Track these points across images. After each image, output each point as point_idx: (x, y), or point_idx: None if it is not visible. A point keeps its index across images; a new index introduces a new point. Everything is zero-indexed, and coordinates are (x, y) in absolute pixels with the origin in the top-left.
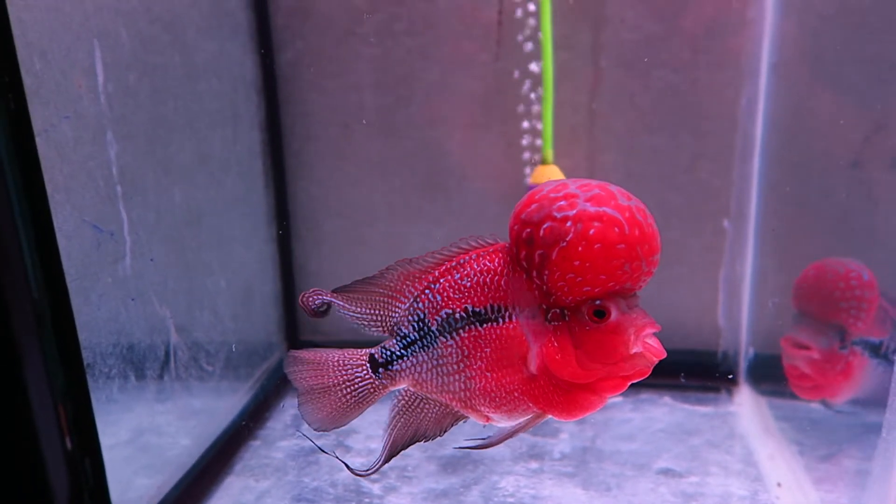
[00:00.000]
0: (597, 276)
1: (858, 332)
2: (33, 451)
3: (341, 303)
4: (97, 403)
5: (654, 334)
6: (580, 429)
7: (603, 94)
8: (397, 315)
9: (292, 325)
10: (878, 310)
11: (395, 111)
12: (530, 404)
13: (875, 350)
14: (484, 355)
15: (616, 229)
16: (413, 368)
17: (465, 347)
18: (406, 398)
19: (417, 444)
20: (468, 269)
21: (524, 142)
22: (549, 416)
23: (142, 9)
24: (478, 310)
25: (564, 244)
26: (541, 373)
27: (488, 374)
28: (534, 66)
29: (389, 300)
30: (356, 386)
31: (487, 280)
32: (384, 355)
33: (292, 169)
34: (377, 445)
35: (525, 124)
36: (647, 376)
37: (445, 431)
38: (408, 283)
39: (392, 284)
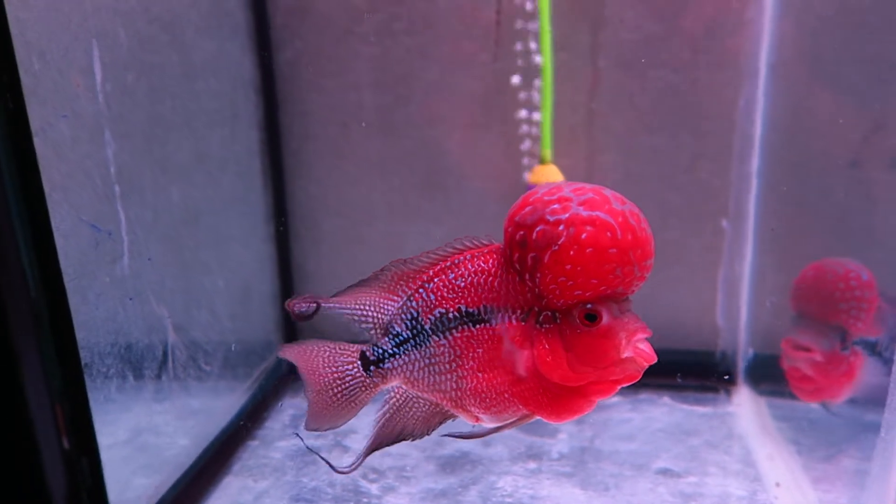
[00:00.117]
0: (588, 280)
1: (859, 332)
2: (31, 451)
3: (332, 304)
4: (95, 403)
5: (647, 339)
6: (579, 429)
7: (602, 94)
8: (390, 313)
9: (291, 325)
10: (877, 309)
11: (394, 110)
12: (520, 406)
13: (872, 348)
14: (476, 356)
15: (608, 234)
16: (405, 367)
17: (457, 347)
18: (397, 396)
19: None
20: (462, 269)
21: (523, 141)
22: (538, 417)
23: (140, 8)
24: (471, 310)
25: (556, 248)
26: (531, 375)
27: (480, 374)
28: (533, 66)
29: (382, 299)
30: (347, 384)
31: (481, 281)
32: (376, 353)
33: (291, 168)
34: None
35: (524, 124)
36: (637, 380)
37: (432, 430)
38: (401, 282)
39: (385, 284)
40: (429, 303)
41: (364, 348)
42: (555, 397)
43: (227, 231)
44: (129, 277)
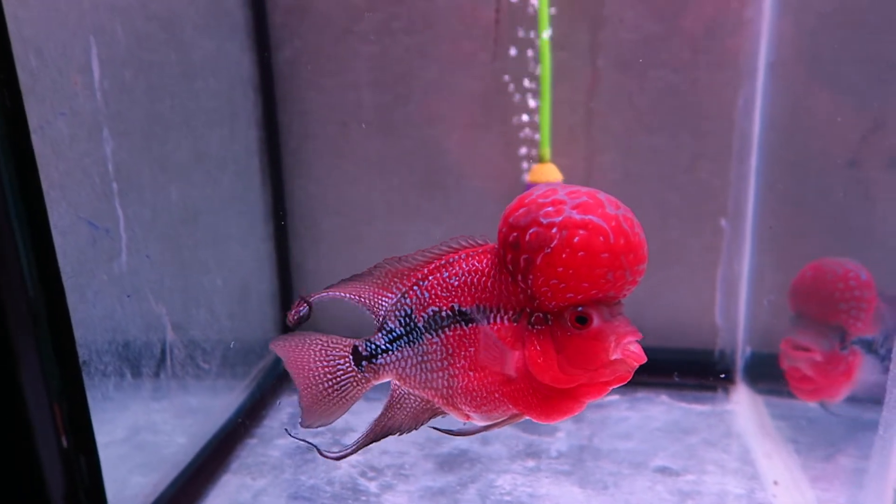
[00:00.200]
0: (580, 283)
1: (858, 332)
2: (29, 450)
3: (325, 295)
4: (93, 401)
5: (643, 339)
6: (577, 427)
7: (601, 94)
8: (383, 310)
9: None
10: (875, 309)
11: (393, 110)
12: (510, 405)
13: (869, 346)
14: (468, 355)
15: (601, 238)
16: (397, 363)
17: (449, 346)
18: (395, 394)
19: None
20: (457, 268)
21: (522, 141)
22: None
23: (138, 6)
24: (464, 309)
25: (549, 250)
26: (522, 376)
27: (471, 373)
28: (532, 66)
29: (377, 295)
30: (338, 378)
31: (475, 281)
32: (368, 348)
33: (290, 167)
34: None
35: (523, 123)
36: (627, 381)
37: (420, 426)
38: (396, 279)
39: (380, 281)
40: (423, 300)
41: (356, 343)
42: (545, 398)
43: (226, 230)
44: (126, 275)
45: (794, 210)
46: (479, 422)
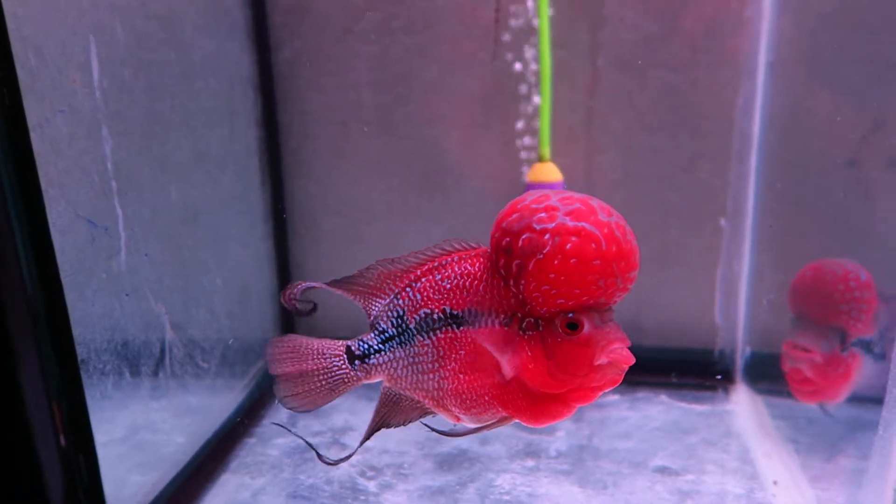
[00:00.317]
0: (571, 289)
1: (858, 333)
2: (28, 449)
3: (326, 286)
4: (91, 400)
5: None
6: (577, 427)
7: (601, 94)
8: (376, 310)
9: (288, 323)
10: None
11: (393, 109)
12: (500, 408)
13: (867, 347)
14: (458, 357)
15: (593, 245)
16: (389, 364)
17: (440, 348)
18: (389, 394)
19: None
20: (449, 271)
21: (522, 140)
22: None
23: (137, 5)
24: (456, 312)
25: (541, 256)
26: (512, 380)
27: (461, 375)
28: (532, 65)
29: (370, 295)
30: (333, 375)
31: (467, 284)
32: (361, 348)
33: (290, 167)
34: (372, 444)
35: (523, 123)
36: (617, 385)
37: (409, 423)
38: (389, 280)
39: (373, 282)
40: (415, 302)
41: (349, 343)
42: (534, 402)
43: (226, 229)
44: (125, 274)
45: (793, 210)
46: (468, 423)
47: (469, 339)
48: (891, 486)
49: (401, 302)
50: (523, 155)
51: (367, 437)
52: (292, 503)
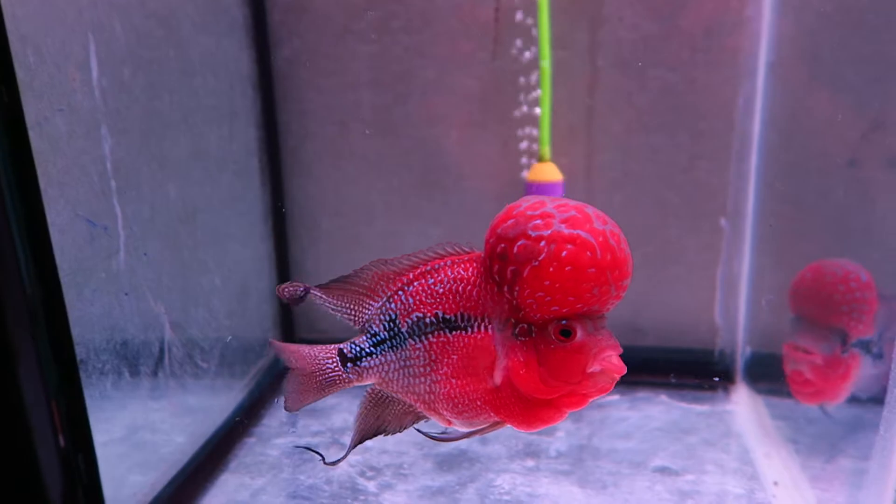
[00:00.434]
0: (566, 297)
1: (858, 334)
2: (27, 448)
3: (318, 293)
4: (91, 400)
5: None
6: (577, 427)
7: (600, 93)
8: (369, 313)
9: (288, 323)
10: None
11: (392, 109)
12: (491, 413)
13: (866, 347)
14: (450, 362)
15: (588, 253)
16: (381, 367)
17: (432, 352)
18: (375, 395)
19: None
20: (442, 275)
21: (521, 140)
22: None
23: (137, 3)
24: (448, 317)
25: (536, 263)
26: (504, 385)
27: (453, 380)
28: (532, 65)
29: (362, 297)
30: (326, 376)
31: (460, 289)
32: (353, 350)
33: (289, 166)
34: (371, 444)
35: (522, 122)
36: (608, 392)
37: (405, 428)
38: (382, 282)
39: (366, 283)
40: (407, 306)
41: (342, 346)
42: (526, 407)
43: (225, 229)
44: (125, 273)
45: (793, 209)
46: (460, 428)
47: (461, 344)
48: (891, 487)
49: (393, 305)
50: (523, 156)
51: (360, 441)
52: (292, 503)
